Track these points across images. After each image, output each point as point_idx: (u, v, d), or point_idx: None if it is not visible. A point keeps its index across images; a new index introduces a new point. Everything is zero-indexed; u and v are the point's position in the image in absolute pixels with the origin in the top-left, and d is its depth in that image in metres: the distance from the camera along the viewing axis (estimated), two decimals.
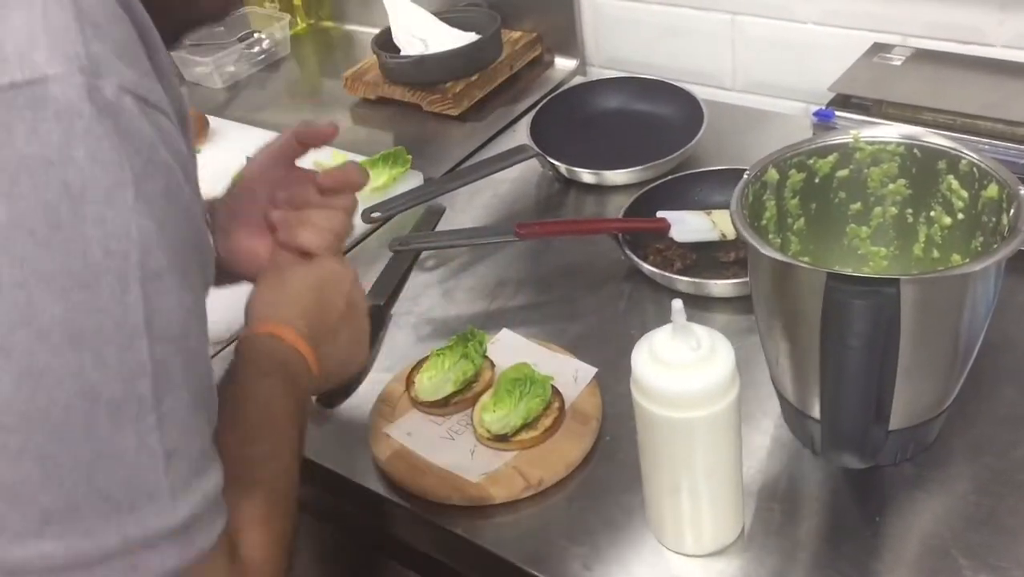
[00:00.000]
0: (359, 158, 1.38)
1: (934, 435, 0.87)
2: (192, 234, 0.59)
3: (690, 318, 0.74)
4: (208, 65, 1.72)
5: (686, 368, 0.73)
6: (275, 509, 0.68)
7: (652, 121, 1.39)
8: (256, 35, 1.79)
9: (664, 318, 0.74)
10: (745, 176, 0.84)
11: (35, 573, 0.51)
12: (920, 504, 0.84)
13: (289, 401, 0.76)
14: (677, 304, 0.73)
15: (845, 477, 0.86)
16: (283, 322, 0.80)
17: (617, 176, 1.27)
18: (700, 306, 1.04)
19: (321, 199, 0.87)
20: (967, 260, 0.84)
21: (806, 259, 0.91)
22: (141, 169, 0.53)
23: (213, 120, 1.55)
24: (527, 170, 1.33)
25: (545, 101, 1.43)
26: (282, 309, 0.81)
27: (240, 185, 0.91)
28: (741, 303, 1.03)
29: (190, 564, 0.56)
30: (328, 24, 1.92)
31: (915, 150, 0.85)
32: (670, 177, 1.23)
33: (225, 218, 0.88)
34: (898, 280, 0.70)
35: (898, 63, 1.14)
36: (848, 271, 0.73)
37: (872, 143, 0.86)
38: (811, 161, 0.87)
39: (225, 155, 1.47)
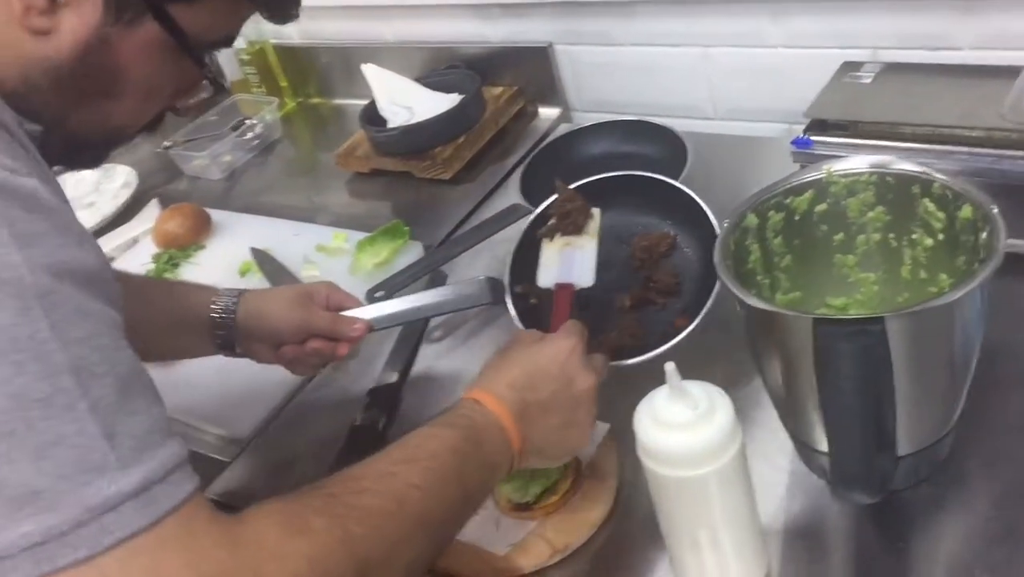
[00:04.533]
0: (360, 235, 1.42)
1: (946, 453, 0.87)
2: (80, 254, 0.63)
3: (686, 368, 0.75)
4: (205, 158, 1.76)
5: (688, 428, 0.75)
6: (347, 525, 0.68)
7: (639, 162, 1.40)
8: (248, 122, 1.83)
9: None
10: (725, 226, 0.86)
11: (21, 552, 0.57)
12: (940, 525, 0.84)
13: (458, 457, 0.77)
14: (670, 367, 0.75)
15: (865, 506, 0.87)
16: (489, 390, 0.83)
17: None
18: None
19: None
20: (953, 280, 0.85)
21: (798, 293, 0.93)
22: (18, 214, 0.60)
23: (215, 213, 1.59)
24: (524, 227, 1.35)
25: (532, 155, 1.46)
26: (494, 379, 0.85)
27: (269, 305, 1.08)
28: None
29: (160, 520, 0.60)
30: (316, 100, 1.96)
31: (888, 177, 0.86)
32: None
33: (251, 323, 1.06)
34: (883, 318, 0.72)
35: (868, 80, 1.16)
36: (833, 315, 0.74)
37: (845, 175, 0.88)
38: (788, 200, 0.88)
39: (230, 248, 1.51)
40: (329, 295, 1.10)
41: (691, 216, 1.06)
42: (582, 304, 1.03)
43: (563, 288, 0.99)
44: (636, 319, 1.07)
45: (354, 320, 1.08)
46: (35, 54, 0.70)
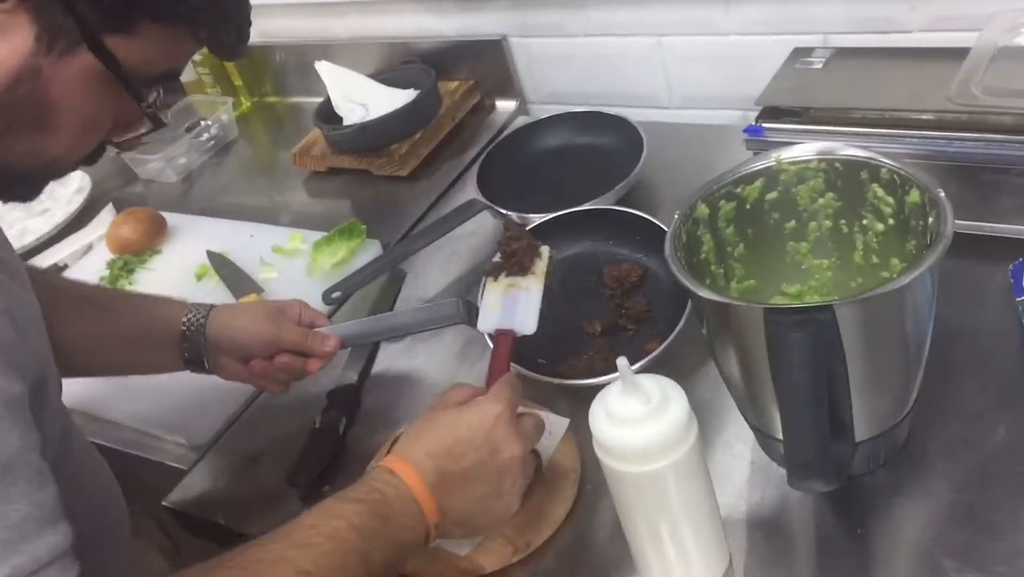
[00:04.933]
0: (316, 235, 1.40)
1: (903, 437, 0.87)
2: None
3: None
4: (159, 161, 1.74)
5: (642, 422, 0.74)
6: None
7: (595, 153, 1.40)
8: (203, 123, 1.81)
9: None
10: (676, 217, 0.85)
11: None
12: (900, 510, 0.84)
13: (362, 536, 0.74)
14: (622, 362, 0.74)
15: (824, 493, 0.87)
16: (406, 459, 0.80)
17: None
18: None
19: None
20: (905, 264, 0.85)
21: (753, 282, 0.93)
22: None
23: (171, 217, 1.57)
24: (482, 221, 1.34)
25: (488, 150, 1.45)
26: (413, 446, 0.81)
27: (241, 319, 1.06)
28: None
29: None
30: (272, 99, 1.94)
31: (836, 164, 0.86)
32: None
33: (220, 336, 1.05)
34: (831, 306, 0.71)
35: (819, 66, 1.16)
36: (783, 304, 0.73)
37: (794, 163, 0.87)
38: (739, 189, 0.88)
39: (186, 252, 1.49)
40: (302, 312, 1.08)
41: (662, 243, 1.04)
42: (552, 332, 1.00)
43: (503, 335, 0.93)
44: (607, 344, 1.07)
45: (326, 336, 1.06)
46: None
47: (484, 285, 0.99)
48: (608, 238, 1.17)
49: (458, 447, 0.81)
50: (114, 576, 0.90)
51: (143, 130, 0.79)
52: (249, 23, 0.80)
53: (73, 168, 0.79)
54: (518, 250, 0.98)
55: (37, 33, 0.68)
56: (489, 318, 0.95)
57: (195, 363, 1.05)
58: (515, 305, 0.95)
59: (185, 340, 1.04)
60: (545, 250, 0.99)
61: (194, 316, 1.05)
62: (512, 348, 0.93)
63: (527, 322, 0.94)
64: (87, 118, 0.74)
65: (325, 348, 1.05)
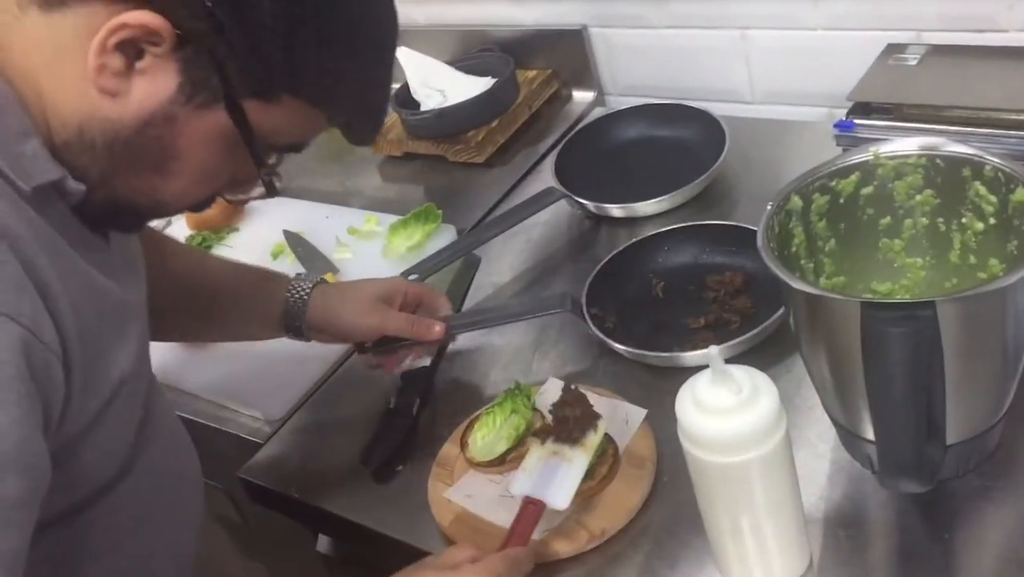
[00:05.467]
0: (392, 218, 1.41)
1: (995, 442, 0.85)
2: None
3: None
4: None
5: (731, 413, 0.73)
6: None
7: (675, 146, 1.39)
8: None
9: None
10: (768, 208, 0.84)
11: None
12: (988, 516, 0.82)
13: None
14: (713, 351, 0.73)
15: (909, 495, 0.85)
16: None
17: (646, 207, 1.28)
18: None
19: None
20: (1005, 265, 0.83)
21: (842, 279, 0.91)
22: None
23: None
24: (557, 210, 1.34)
25: (567, 139, 1.45)
26: None
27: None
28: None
29: None
30: None
31: (937, 160, 0.84)
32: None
33: (320, 320, 1.06)
34: (934, 302, 0.70)
35: (914, 62, 1.13)
36: (882, 298, 0.72)
37: (893, 157, 0.86)
38: (833, 183, 0.87)
39: (263, 231, 1.51)
40: (408, 292, 1.09)
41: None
42: (654, 328, 1.08)
43: (532, 504, 0.87)
44: (712, 336, 1.06)
45: (431, 323, 1.06)
46: (98, 112, 0.68)
47: (528, 445, 0.94)
48: (705, 248, 1.17)
49: None
50: (185, 547, 0.91)
51: (255, 194, 0.80)
52: (385, 114, 0.80)
53: (179, 212, 0.81)
54: (570, 418, 0.92)
55: (181, 83, 0.68)
56: (523, 482, 0.89)
57: (295, 333, 1.07)
58: (553, 475, 0.88)
59: (286, 315, 1.05)
60: (602, 424, 0.92)
61: (298, 292, 1.05)
62: (537, 520, 0.87)
63: (560, 496, 0.87)
64: (205, 171, 0.74)
65: (430, 336, 1.06)
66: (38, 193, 0.67)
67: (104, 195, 0.72)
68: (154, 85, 0.68)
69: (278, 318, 1.06)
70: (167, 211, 0.80)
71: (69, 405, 0.69)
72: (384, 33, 0.76)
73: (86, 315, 0.70)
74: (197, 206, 0.80)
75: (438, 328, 1.06)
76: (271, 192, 0.78)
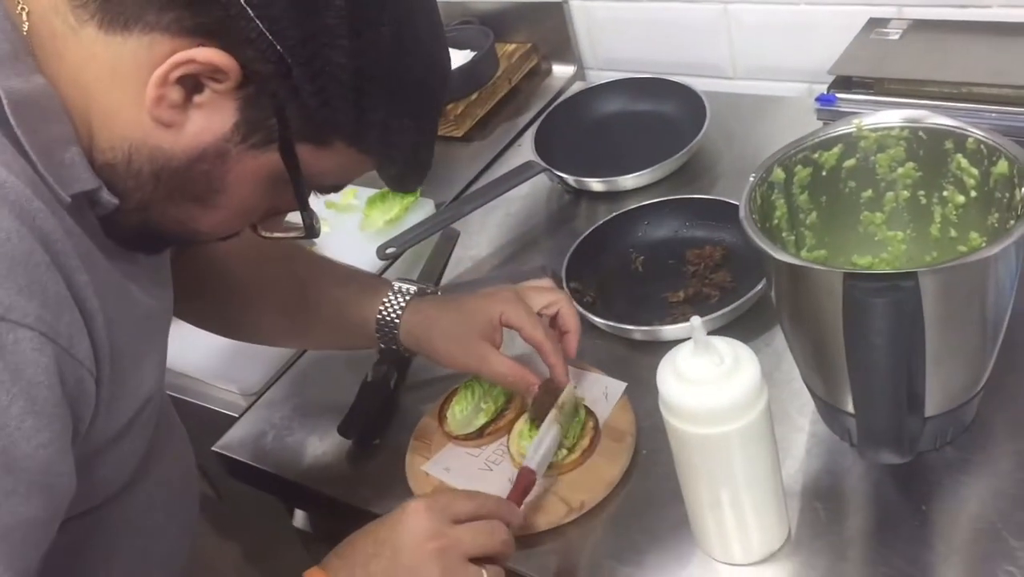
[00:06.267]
0: (370, 191, 1.39)
1: (972, 415, 0.86)
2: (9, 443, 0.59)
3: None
4: None
5: (712, 384, 0.73)
6: None
7: (656, 120, 1.38)
8: None
9: None
10: (751, 179, 0.84)
11: None
12: (965, 488, 0.83)
13: None
14: (696, 321, 0.73)
15: (887, 468, 0.85)
16: (325, 565, 0.77)
17: (626, 181, 1.27)
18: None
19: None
20: (985, 238, 0.83)
21: (823, 252, 0.91)
22: None
23: None
24: (537, 184, 1.33)
25: (547, 112, 1.43)
26: (338, 551, 0.78)
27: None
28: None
29: None
30: None
31: (920, 132, 0.84)
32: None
33: (413, 343, 0.99)
34: (916, 273, 0.70)
35: (896, 37, 1.13)
36: (864, 269, 0.72)
37: (876, 130, 0.85)
38: (816, 155, 0.86)
39: None
40: (504, 313, 0.96)
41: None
42: (634, 302, 1.08)
43: (526, 472, 0.88)
44: (691, 309, 1.06)
45: (534, 379, 0.94)
46: (149, 140, 0.66)
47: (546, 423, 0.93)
48: (685, 222, 1.16)
49: (370, 546, 0.77)
50: (179, 556, 0.90)
51: (294, 235, 0.78)
52: (430, 167, 0.79)
53: (209, 241, 0.79)
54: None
55: (237, 122, 0.67)
56: (530, 455, 0.90)
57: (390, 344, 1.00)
58: (541, 443, 0.91)
59: (377, 331, 0.99)
60: (569, 387, 0.95)
61: (392, 308, 0.99)
62: (528, 490, 0.88)
63: (534, 460, 0.89)
64: (247, 207, 0.73)
65: (528, 393, 0.95)
66: (76, 201, 0.65)
67: (138, 218, 0.71)
68: (210, 121, 0.66)
69: (371, 335, 1.00)
70: (199, 240, 0.78)
71: (95, 421, 0.68)
72: (440, 92, 0.76)
73: (120, 330, 0.68)
74: (227, 237, 0.78)
75: (536, 388, 0.94)
76: (311, 233, 0.77)
